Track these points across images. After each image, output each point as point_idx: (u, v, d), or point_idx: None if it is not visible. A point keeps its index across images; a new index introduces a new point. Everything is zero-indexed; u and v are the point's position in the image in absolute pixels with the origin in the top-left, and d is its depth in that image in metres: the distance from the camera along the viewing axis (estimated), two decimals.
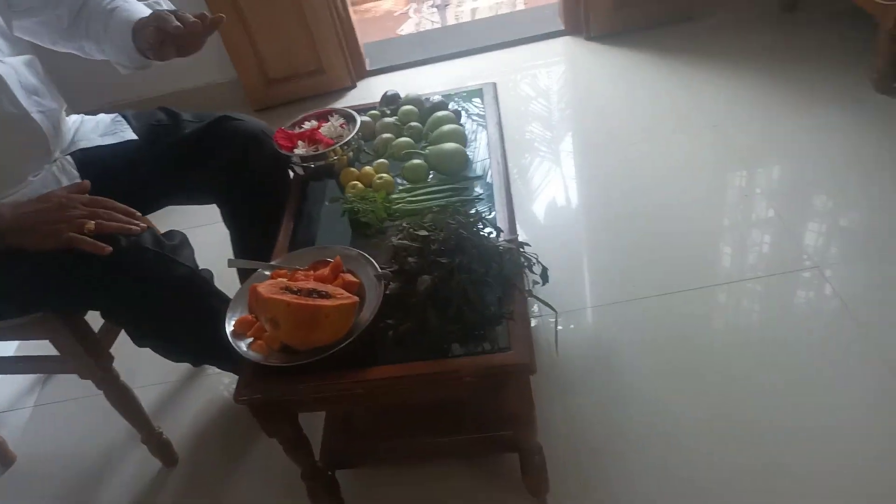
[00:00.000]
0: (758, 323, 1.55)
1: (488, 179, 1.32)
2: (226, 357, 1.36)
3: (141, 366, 1.74)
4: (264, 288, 1.03)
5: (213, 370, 1.72)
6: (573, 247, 1.85)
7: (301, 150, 1.38)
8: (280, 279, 1.13)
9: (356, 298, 1.05)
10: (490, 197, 1.28)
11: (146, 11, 1.20)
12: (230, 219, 1.50)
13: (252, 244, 1.47)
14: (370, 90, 2.79)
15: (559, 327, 1.55)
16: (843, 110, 2.05)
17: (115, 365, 1.38)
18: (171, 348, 1.33)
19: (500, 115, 1.49)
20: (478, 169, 1.36)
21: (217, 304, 1.23)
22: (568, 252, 1.83)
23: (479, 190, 1.30)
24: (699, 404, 1.39)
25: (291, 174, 1.46)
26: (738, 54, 2.43)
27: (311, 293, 1.05)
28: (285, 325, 0.99)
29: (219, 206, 1.50)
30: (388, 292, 1.06)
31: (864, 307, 1.49)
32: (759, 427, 1.33)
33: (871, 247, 1.63)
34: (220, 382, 1.70)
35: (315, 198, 1.42)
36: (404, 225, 1.14)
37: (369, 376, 1.02)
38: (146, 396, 1.57)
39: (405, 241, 1.08)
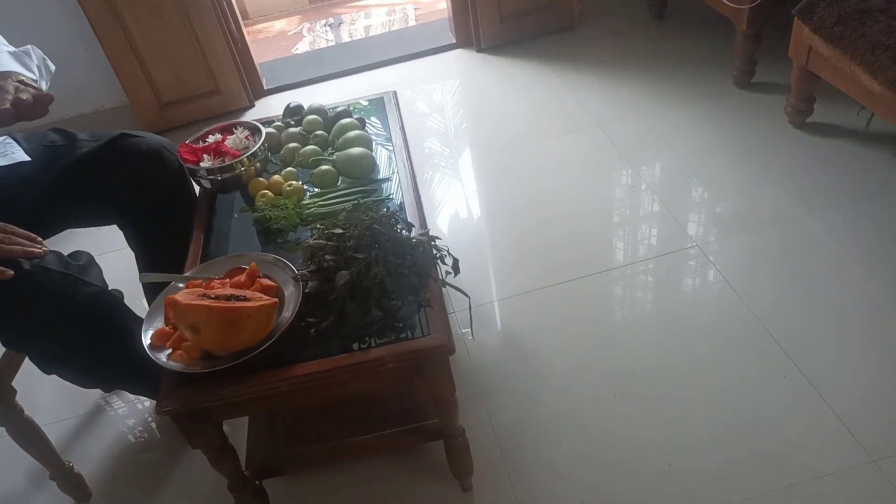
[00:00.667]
0: (652, 300, 1.68)
1: (396, 181, 1.37)
2: (139, 378, 1.34)
3: (45, 398, 1.66)
4: (182, 296, 1.03)
5: (123, 399, 1.67)
6: (479, 247, 1.93)
7: (207, 163, 1.38)
8: (196, 289, 1.13)
9: (276, 300, 1.07)
10: (399, 196, 1.33)
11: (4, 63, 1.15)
12: (135, 239, 1.47)
13: (160, 263, 1.45)
14: (269, 108, 2.78)
15: (472, 312, 1.62)
16: (709, 105, 2.27)
17: (18, 399, 1.32)
18: (81, 372, 1.28)
19: (402, 119, 1.56)
20: (385, 171, 1.41)
21: (129, 323, 1.21)
22: (475, 251, 1.91)
23: (388, 190, 1.36)
24: (603, 382, 1.49)
25: (197, 189, 1.45)
26: (616, 59, 2.62)
27: (229, 298, 1.06)
28: (207, 330, 1.00)
29: (121, 228, 1.47)
30: (307, 291, 1.09)
31: (738, 277, 1.65)
32: (660, 398, 1.44)
33: (739, 224, 1.81)
34: (133, 410, 1.65)
35: (224, 211, 1.42)
36: (318, 226, 1.18)
37: (293, 373, 1.04)
38: (53, 431, 1.50)
39: (321, 241, 1.11)
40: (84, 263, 1.18)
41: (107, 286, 1.22)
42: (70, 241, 1.52)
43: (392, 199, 1.33)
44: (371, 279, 1.07)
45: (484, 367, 1.56)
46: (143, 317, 1.14)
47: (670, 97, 2.35)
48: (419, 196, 1.32)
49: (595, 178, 2.10)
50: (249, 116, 2.77)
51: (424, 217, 1.28)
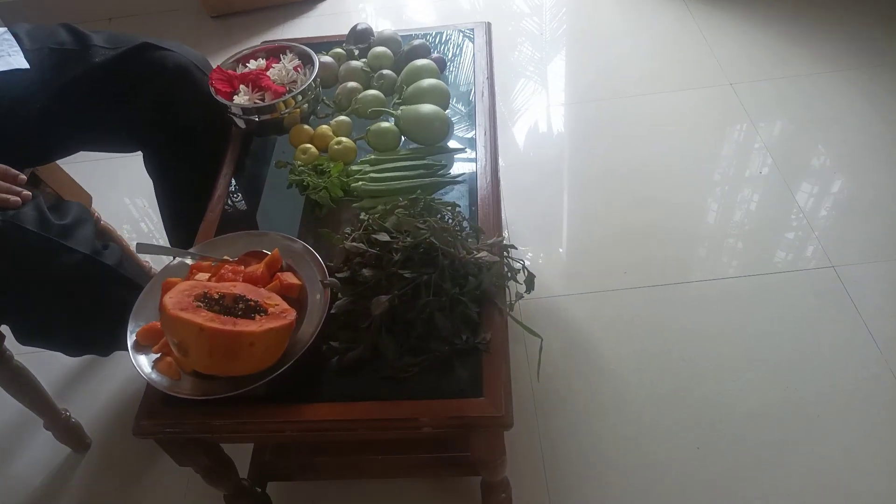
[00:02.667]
0: (764, 329, 1.36)
1: (472, 163, 1.07)
2: None
3: None
4: (173, 298, 0.79)
5: None
6: (551, 218, 1.62)
7: (243, 97, 1.10)
8: (198, 278, 0.89)
9: (291, 319, 0.82)
10: (472, 180, 1.04)
11: None
12: (155, 170, 1.24)
13: (181, 205, 1.23)
14: (341, 8, 2.44)
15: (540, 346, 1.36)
16: (875, 76, 1.81)
17: (7, 345, 1.15)
18: (66, 347, 1.09)
19: (492, 67, 1.22)
20: (460, 134, 1.11)
21: (125, 293, 1.00)
22: (545, 223, 1.61)
23: (459, 169, 1.06)
24: (686, 429, 1.22)
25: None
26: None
27: (235, 303, 0.82)
28: (196, 353, 0.77)
29: (142, 153, 1.24)
30: (333, 311, 0.84)
31: (878, 318, 1.31)
32: (756, 462, 1.17)
33: (891, 249, 1.43)
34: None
35: (259, 156, 1.16)
36: (362, 217, 0.90)
37: (305, 416, 0.81)
38: (47, 377, 1.34)
39: (360, 245, 0.84)
40: (69, 222, 0.95)
41: (98, 249, 0.99)
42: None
43: (461, 180, 1.03)
44: (417, 311, 0.81)
45: (540, 382, 1.30)
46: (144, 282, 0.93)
47: (827, 57, 1.89)
48: (498, 185, 1.02)
49: (715, 154, 1.72)
50: (320, 11, 2.44)
51: (501, 217, 0.99)
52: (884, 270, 1.39)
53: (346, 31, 1.31)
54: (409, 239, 0.83)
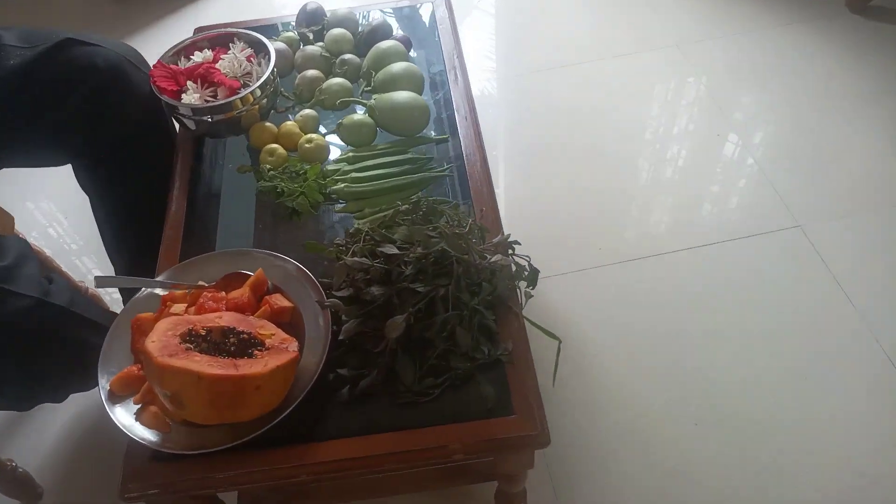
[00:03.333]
0: (738, 292, 1.36)
1: (456, 146, 0.99)
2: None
3: None
4: (157, 342, 0.68)
5: None
6: (517, 197, 1.57)
7: (192, 96, 0.97)
8: (177, 311, 0.78)
9: (296, 351, 0.73)
10: (461, 171, 0.96)
11: None
12: (91, 186, 1.09)
13: (124, 225, 1.09)
14: None
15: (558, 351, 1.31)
16: (819, 29, 1.84)
17: None
18: (15, 402, 0.94)
19: (460, 44, 1.14)
20: (437, 124, 1.03)
21: (80, 333, 0.87)
22: (512, 202, 1.55)
23: (445, 161, 0.98)
24: (681, 403, 1.21)
25: (177, 125, 1.05)
26: None
27: (225, 338, 0.72)
28: (195, 404, 0.67)
29: (72, 165, 1.08)
30: (342, 337, 0.75)
31: (849, 274, 1.34)
32: (753, 428, 1.17)
33: (854, 201, 1.47)
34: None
35: (214, 162, 1.04)
36: (359, 226, 0.82)
37: (321, 456, 0.72)
38: None
39: (364, 260, 0.76)
40: (11, 262, 0.81)
41: (47, 287, 0.85)
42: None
43: (448, 173, 0.96)
44: (438, 328, 0.74)
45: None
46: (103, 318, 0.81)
47: (769, 14, 1.90)
48: (490, 179, 0.95)
49: (668, 117, 1.70)
50: None
51: (498, 211, 0.92)
52: (848, 225, 1.42)
53: (270, 10, 1.18)
54: (419, 249, 0.74)
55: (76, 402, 1.22)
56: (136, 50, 1.05)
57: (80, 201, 1.14)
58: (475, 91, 1.79)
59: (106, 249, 1.17)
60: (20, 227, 1.24)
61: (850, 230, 1.42)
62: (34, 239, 1.51)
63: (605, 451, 1.15)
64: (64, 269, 1.30)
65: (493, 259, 0.78)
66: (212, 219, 0.97)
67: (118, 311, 1.03)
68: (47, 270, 1.14)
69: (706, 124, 1.67)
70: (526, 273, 0.86)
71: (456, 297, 0.74)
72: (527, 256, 0.88)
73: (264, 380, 0.67)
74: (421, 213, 0.80)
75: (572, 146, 1.65)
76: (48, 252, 1.25)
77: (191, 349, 0.69)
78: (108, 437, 1.24)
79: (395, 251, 0.74)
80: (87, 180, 1.08)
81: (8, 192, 1.36)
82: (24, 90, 0.94)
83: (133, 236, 1.10)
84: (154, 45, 2.03)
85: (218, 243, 0.93)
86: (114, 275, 1.17)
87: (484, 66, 1.90)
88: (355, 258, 0.76)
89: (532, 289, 0.87)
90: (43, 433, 1.26)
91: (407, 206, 0.80)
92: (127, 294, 1.20)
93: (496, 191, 0.97)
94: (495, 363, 0.77)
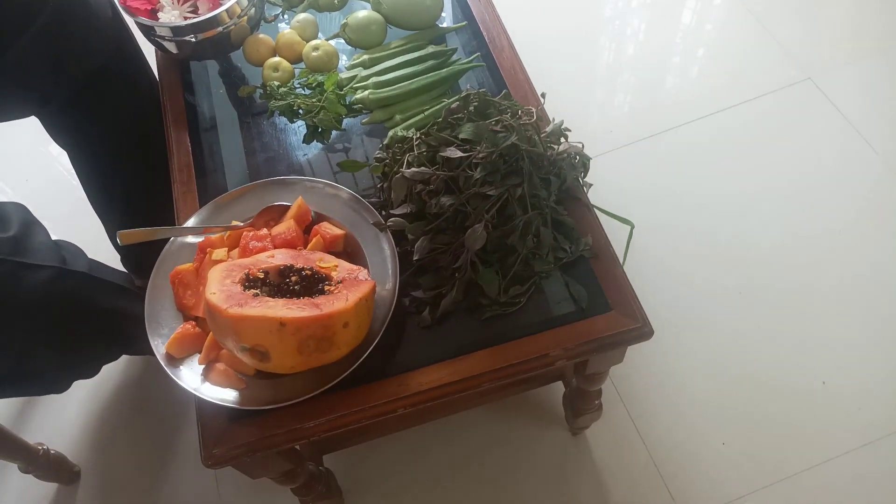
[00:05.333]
0: (758, 154, 1.33)
1: (477, 31, 0.89)
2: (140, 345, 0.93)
3: None
4: (219, 293, 0.60)
5: None
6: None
7: (170, 14, 0.84)
8: (219, 257, 0.69)
9: (370, 279, 0.65)
10: (488, 58, 0.87)
11: None
12: (63, 136, 0.95)
13: (111, 176, 0.96)
14: None
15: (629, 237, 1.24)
16: None
17: None
18: (53, 385, 0.84)
19: None
20: (452, 13, 0.92)
21: (107, 300, 0.77)
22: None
23: (469, 50, 0.88)
24: (725, 277, 1.19)
25: (153, 51, 0.92)
26: None
27: (285, 278, 0.65)
28: (280, 355, 0.59)
29: (39, 118, 0.94)
30: (417, 258, 0.68)
31: (865, 118, 1.31)
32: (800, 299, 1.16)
33: (864, 43, 1.42)
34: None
35: (206, 87, 0.91)
36: (399, 133, 0.73)
37: (416, 386, 0.67)
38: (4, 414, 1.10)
39: (424, 169, 0.67)
40: (17, 232, 0.70)
41: (62, 254, 0.74)
42: None
43: (480, 63, 0.86)
44: (521, 232, 0.67)
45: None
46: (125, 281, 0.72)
47: None
48: (521, 62, 0.86)
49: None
50: None
51: (537, 94, 0.84)
52: (857, 71, 1.38)
53: None
54: (485, 148, 0.66)
55: (99, 377, 1.14)
56: None
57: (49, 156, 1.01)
58: None
59: (93, 207, 1.05)
60: None
61: (861, 75, 1.38)
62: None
63: (658, 329, 1.13)
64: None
65: (560, 149, 0.71)
66: (218, 153, 0.86)
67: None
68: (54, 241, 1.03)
69: None
70: (580, 157, 0.80)
71: (534, 196, 0.67)
72: (579, 143, 0.81)
73: (350, 315, 0.60)
74: (473, 107, 0.71)
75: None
76: None
77: (259, 294, 0.61)
78: (139, 407, 1.16)
79: (460, 154, 0.66)
80: (58, 130, 0.94)
81: None
82: None
83: (121, 185, 0.98)
84: None
85: (231, 180, 0.83)
86: (136, 230, 1.05)
87: None
88: (412, 169, 0.68)
89: (584, 177, 0.81)
90: (64, 408, 1.18)
91: (457, 102, 0.71)
92: (128, 258, 1.09)
93: None
94: (577, 260, 0.72)
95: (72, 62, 0.86)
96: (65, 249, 0.76)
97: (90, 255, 0.89)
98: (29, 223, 0.72)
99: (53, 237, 0.81)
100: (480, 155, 0.66)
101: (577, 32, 1.54)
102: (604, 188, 1.27)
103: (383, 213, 0.73)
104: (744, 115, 1.36)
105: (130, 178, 0.99)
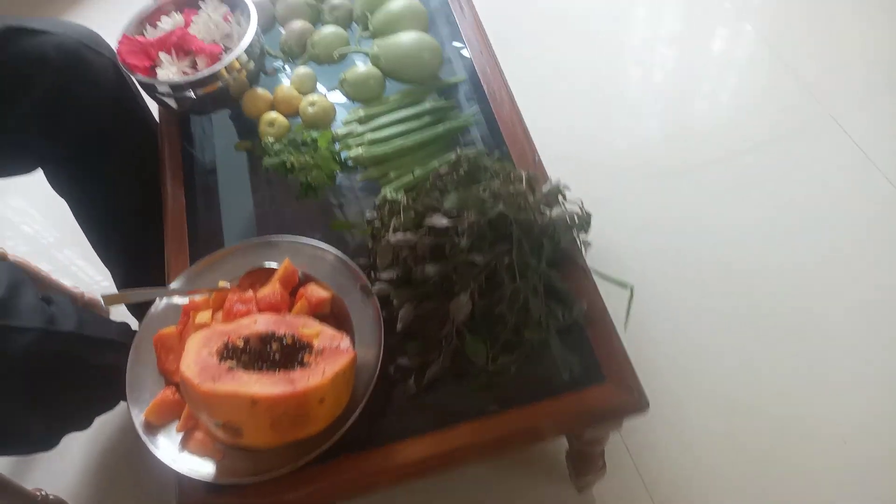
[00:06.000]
0: (775, 197, 1.28)
1: (478, 85, 0.88)
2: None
3: None
4: (194, 366, 0.59)
5: None
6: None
7: (169, 69, 0.84)
8: (202, 320, 0.68)
9: (351, 348, 0.64)
10: (487, 114, 0.85)
11: None
12: (64, 189, 0.96)
13: (112, 229, 0.97)
14: None
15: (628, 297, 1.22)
16: None
17: None
18: (39, 445, 0.84)
19: None
20: (453, 66, 0.91)
21: (95, 356, 0.77)
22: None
23: (467, 105, 0.87)
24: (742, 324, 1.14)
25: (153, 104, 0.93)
26: None
27: (266, 345, 0.63)
28: (253, 431, 0.58)
29: (43, 170, 0.95)
30: (400, 328, 0.66)
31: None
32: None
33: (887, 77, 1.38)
34: None
35: (205, 141, 0.92)
36: (389, 196, 0.71)
37: (399, 458, 0.64)
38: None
39: (409, 237, 0.66)
40: (2, 295, 0.70)
41: (49, 313, 0.74)
42: None
43: (477, 120, 0.85)
44: (509, 302, 0.65)
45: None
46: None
47: None
48: (521, 118, 0.84)
49: (676, 19, 1.59)
50: None
51: (536, 153, 0.82)
52: (878, 107, 1.34)
53: None
54: (472, 216, 0.64)
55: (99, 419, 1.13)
56: (91, 31, 0.90)
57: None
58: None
59: (98, 255, 1.05)
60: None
61: (882, 112, 1.33)
62: (8, 240, 1.39)
63: (671, 378, 1.09)
64: (54, 274, 1.19)
65: (552, 213, 0.68)
66: (215, 208, 0.86)
67: (125, 321, 0.95)
68: (45, 290, 1.03)
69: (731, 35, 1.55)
70: (577, 218, 0.77)
71: (523, 264, 0.65)
72: (578, 200, 0.78)
73: (326, 391, 0.58)
74: (463, 171, 0.69)
75: (584, 63, 1.53)
76: (38, 266, 1.14)
77: (233, 367, 0.60)
78: (139, 451, 1.15)
79: (446, 222, 0.64)
80: (59, 184, 0.95)
81: None
82: None
83: (122, 238, 0.99)
84: (117, 14, 1.86)
85: (227, 235, 0.83)
86: (113, 283, 1.06)
87: None
88: (398, 234, 0.66)
89: (586, 233, 0.78)
90: (66, 454, 1.17)
91: (445, 165, 0.69)
92: (135, 307, 1.09)
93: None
94: (573, 327, 0.69)
95: (69, 125, 0.87)
96: (56, 306, 0.76)
97: None
98: (17, 283, 0.73)
99: (82, 263, 0.81)
100: (467, 223, 0.64)
101: (590, 66, 1.52)
102: (611, 232, 1.25)
103: (372, 274, 0.71)
104: (762, 155, 1.31)
105: (132, 231, 0.99)
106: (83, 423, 0.87)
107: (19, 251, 1.16)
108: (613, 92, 1.48)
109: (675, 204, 1.28)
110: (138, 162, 0.93)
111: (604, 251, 1.23)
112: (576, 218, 0.75)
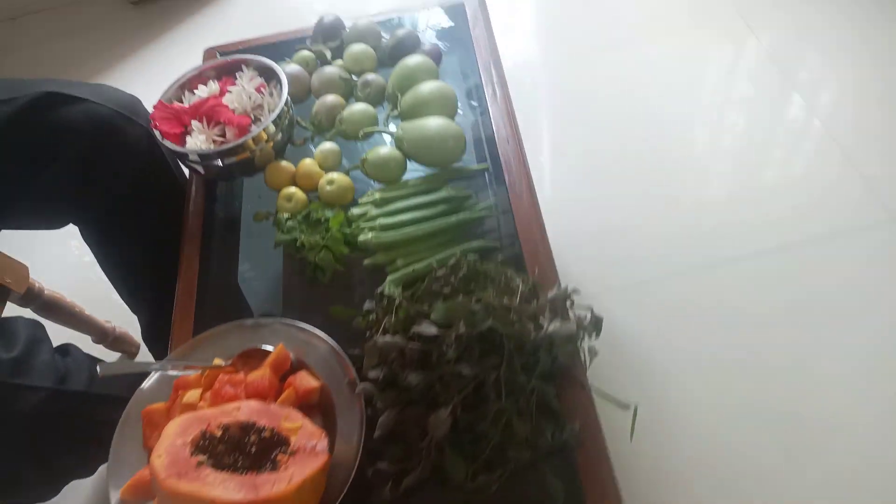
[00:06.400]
0: (830, 304, 1.21)
1: (499, 178, 0.86)
2: None
3: None
4: (165, 457, 0.58)
5: None
6: (561, 204, 1.42)
7: (198, 138, 0.87)
8: (190, 399, 0.69)
9: (325, 453, 0.62)
10: (504, 205, 0.83)
11: None
12: (96, 245, 1.00)
13: (140, 284, 1.00)
14: None
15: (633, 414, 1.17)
16: None
17: None
18: (39, 495, 0.86)
19: (497, 53, 1.00)
20: (475, 146, 0.90)
21: (103, 413, 0.78)
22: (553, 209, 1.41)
23: (485, 195, 0.85)
24: (765, 431, 1.07)
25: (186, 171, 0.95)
26: None
27: (245, 437, 0.63)
28: None
29: (77, 226, 0.99)
30: (377, 434, 0.64)
31: None
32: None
33: None
34: None
35: (228, 208, 0.93)
36: (388, 292, 0.70)
37: None
38: None
39: (399, 340, 0.64)
40: (20, 352, 0.72)
41: (62, 371, 0.76)
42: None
43: (489, 212, 0.83)
44: (491, 420, 0.62)
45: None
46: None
47: None
48: (541, 218, 0.82)
49: (733, 101, 1.53)
50: None
51: (552, 256, 0.79)
52: None
53: (292, 13, 1.06)
54: (462, 327, 0.62)
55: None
56: (132, 97, 0.94)
57: None
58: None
59: (123, 301, 1.09)
60: (35, 275, 1.17)
61: None
62: (43, 272, 1.45)
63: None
64: (90, 300, 1.22)
65: (550, 329, 0.66)
66: (230, 277, 0.87)
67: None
68: (75, 327, 1.06)
69: (778, 113, 1.49)
70: (586, 324, 0.74)
71: (510, 381, 0.63)
72: (588, 305, 0.75)
73: (290, 499, 0.57)
74: (461, 275, 0.68)
75: (625, 147, 1.50)
76: (73, 301, 1.18)
77: (203, 463, 0.59)
78: None
79: (434, 331, 0.62)
80: (88, 239, 0.99)
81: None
82: (9, 148, 0.85)
83: (150, 288, 1.01)
84: (175, 53, 1.95)
85: (235, 307, 0.83)
86: (117, 362, 1.09)
87: (521, 55, 1.75)
88: (387, 337, 0.65)
89: (595, 338, 0.75)
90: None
91: (444, 268, 0.68)
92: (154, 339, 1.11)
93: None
94: (563, 448, 0.65)
95: (98, 190, 0.90)
96: (71, 359, 0.78)
97: None
98: (34, 342, 0.75)
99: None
100: (454, 335, 0.62)
101: (633, 144, 1.48)
102: (633, 324, 1.20)
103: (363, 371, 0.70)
104: (810, 255, 1.24)
105: (159, 285, 1.01)
106: (85, 472, 0.89)
107: (56, 277, 1.20)
108: (646, 174, 1.44)
109: (702, 302, 1.22)
110: (166, 220, 0.95)
111: (629, 339, 1.19)
112: (584, 322, 0.72)
